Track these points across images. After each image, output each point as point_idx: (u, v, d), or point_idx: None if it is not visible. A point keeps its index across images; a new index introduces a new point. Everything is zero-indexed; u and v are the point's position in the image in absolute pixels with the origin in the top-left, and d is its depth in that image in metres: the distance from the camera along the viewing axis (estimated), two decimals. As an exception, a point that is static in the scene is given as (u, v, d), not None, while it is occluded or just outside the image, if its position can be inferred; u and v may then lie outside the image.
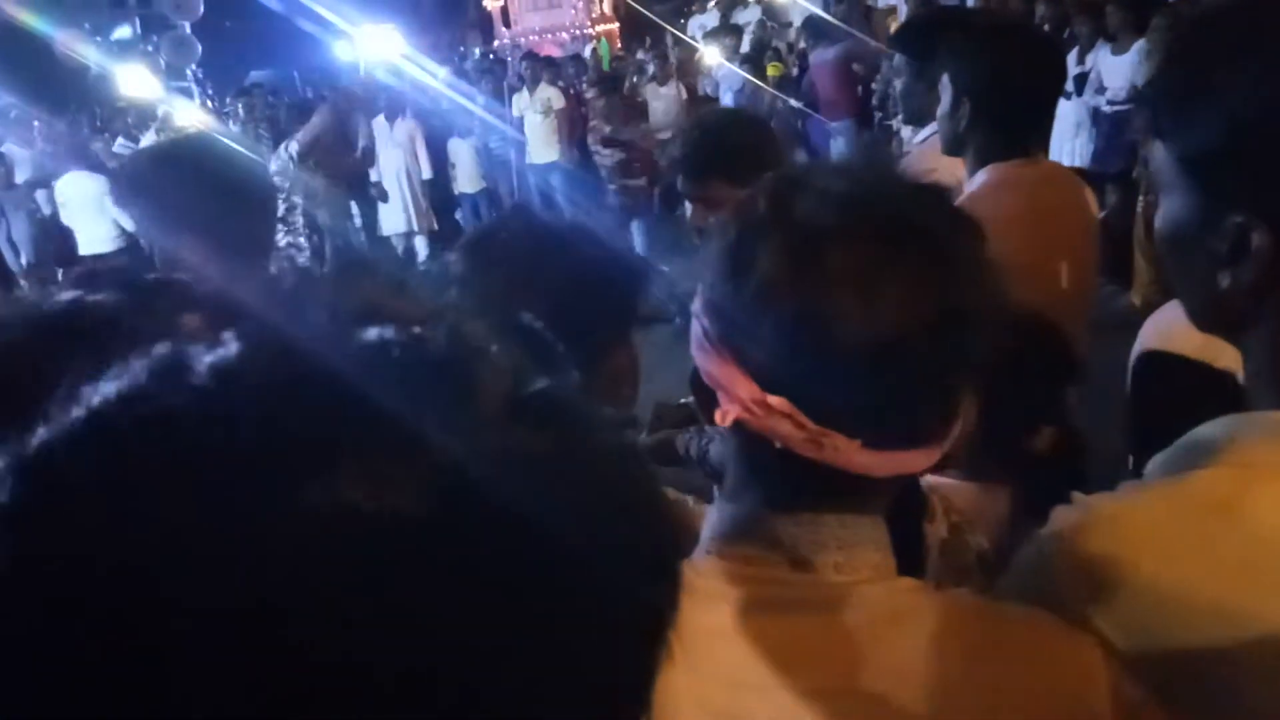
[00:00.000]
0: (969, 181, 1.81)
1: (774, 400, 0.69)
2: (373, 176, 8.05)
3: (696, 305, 0.76)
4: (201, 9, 10.70)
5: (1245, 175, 0.66)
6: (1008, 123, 1.75)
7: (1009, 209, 1.68)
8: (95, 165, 7.34)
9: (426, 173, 8.40)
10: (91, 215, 7.06)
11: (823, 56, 8.11)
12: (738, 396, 0.71)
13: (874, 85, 7.66)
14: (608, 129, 6.80)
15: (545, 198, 8.49)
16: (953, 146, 1.84)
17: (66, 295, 0.55)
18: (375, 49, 11.60)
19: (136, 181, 1.63)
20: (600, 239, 1.13)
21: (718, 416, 0.73)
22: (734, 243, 0.71)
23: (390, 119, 8.27)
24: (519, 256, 1.06)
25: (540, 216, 1.13)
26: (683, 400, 1.96)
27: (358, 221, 8.99)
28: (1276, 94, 0.63)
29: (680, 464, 1.71)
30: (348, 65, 12.85)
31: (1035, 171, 1.78)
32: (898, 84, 2.36)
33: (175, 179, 1.53)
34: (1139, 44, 6.07)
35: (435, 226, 8.56)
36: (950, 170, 2.15)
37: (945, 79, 1.79)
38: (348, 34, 12.73)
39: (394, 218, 8.27)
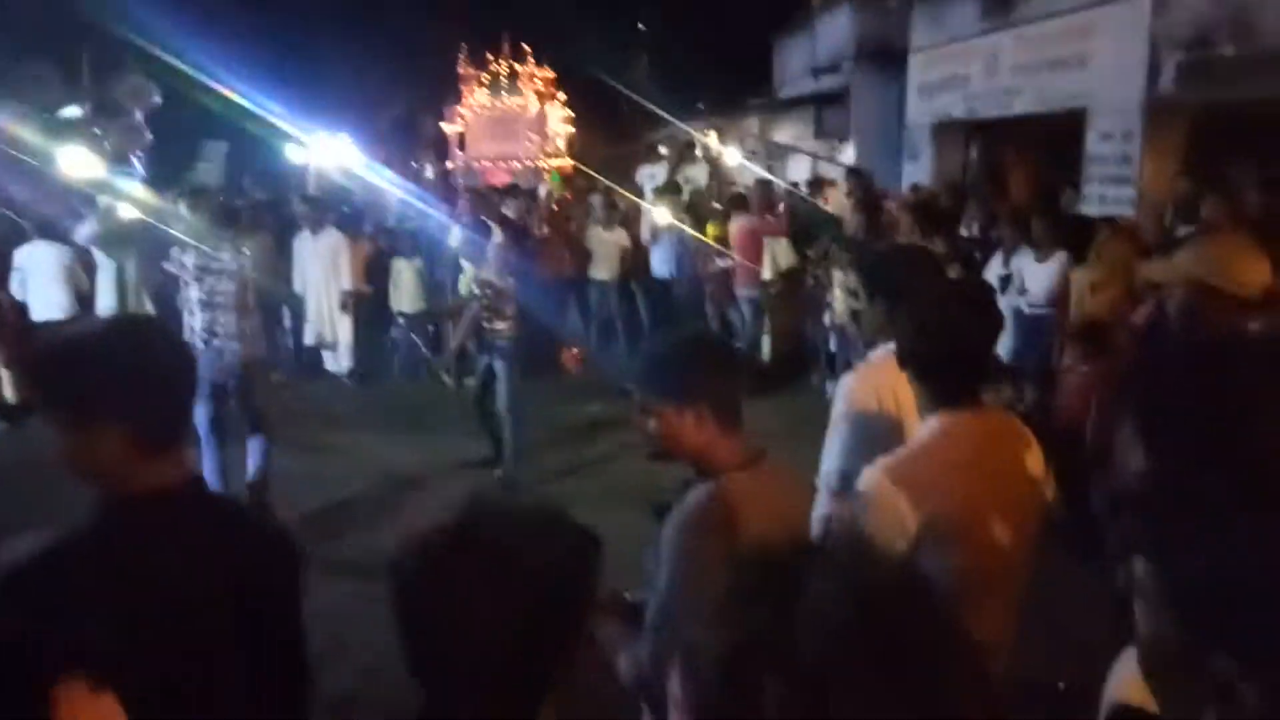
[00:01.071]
0: (920, 422, 1.89)
1: None
2: (296, 287, 8.11)
3: (678, 698, 0.72)
4: (157, 100, 10.66)
5: (1241, 622, 0.63)
6: (952, 376, 1.85)
7: (955, 461, 1.76)
8: (57, 236, 7.51)
9: (347, 284, 8.38)
10: (48, 284, 7.41)
11: (739, 224, 8.97)
12: None
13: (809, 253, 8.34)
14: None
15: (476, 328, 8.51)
16: (909, 376, 1.92)
17: None
18: (328, 157, 11.74)
19: None
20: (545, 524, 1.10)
21: None
22: (730, 658, 0.67)
23: (314, 231, 8.31)
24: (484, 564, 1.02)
25: (501, 514, 1.09)
26: (626, 594, 1.91)
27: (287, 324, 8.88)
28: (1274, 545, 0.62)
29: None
30: (297, 169, 12.93)
31: (983, 425, 1.85)
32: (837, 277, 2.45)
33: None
34: (1059, 254, 6.46)
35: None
36: (900, 394, 2.22)
37: (904, 321, 1.90)
38: (300, 140, 12.88)
39: (310, 328, 8.43)
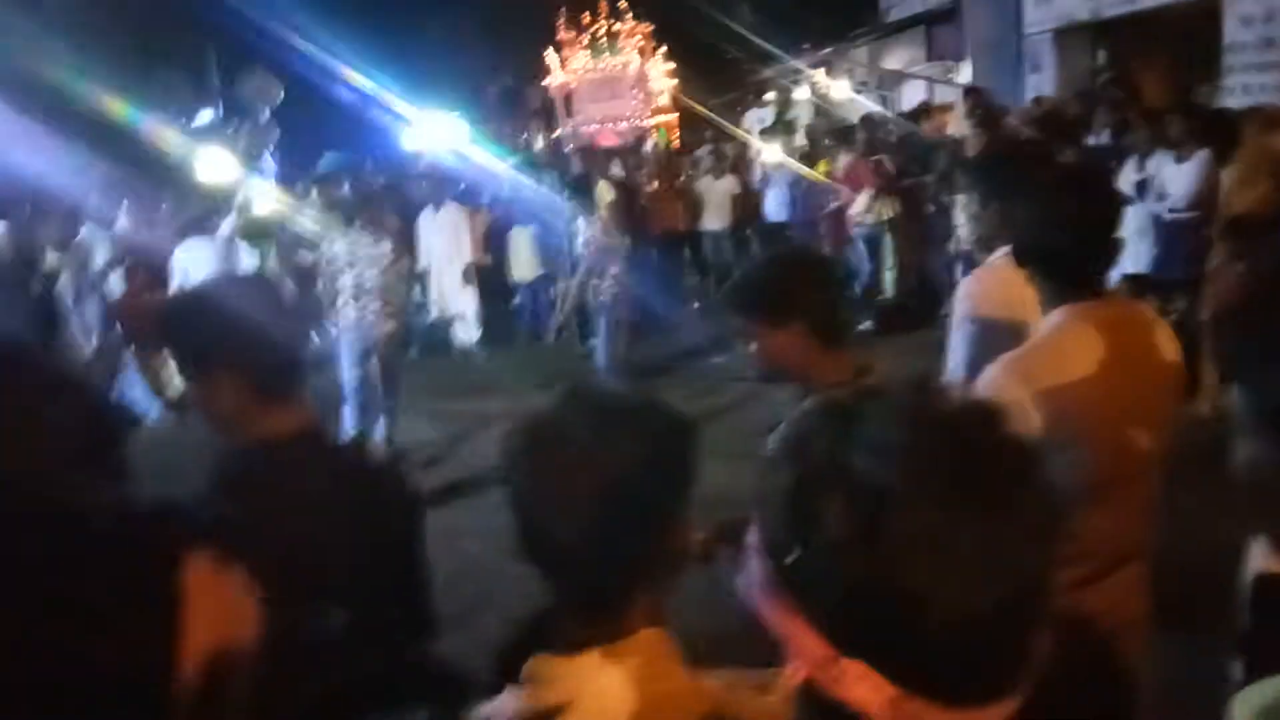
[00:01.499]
0: (1043, 319, 1.81)
1: (849, 663, 0.67)
2: (422, 264, 8.34)
3: (753, 542, 0.74)
4: (281, 95, 11.19)
5: None
6: (1083, 264, 1.77)
7: (1080, 355, 1.70)
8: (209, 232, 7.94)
9: (469, 256, 8.60)
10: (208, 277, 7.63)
11: (845, 159, 8.88)
12: (808, 654, 0.68)
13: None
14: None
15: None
16: (1026, 279, 1.86)
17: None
18: (440, 136, 12.08)
19: None
20: (648, 412, 1.15)
21: (787, 675, 0.70)
22: (793, 490, 0.69)
23: (436, 207, 8.54)
24: (577, 445, 1.08)
25: (596, 400, 1.16)
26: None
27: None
28: None
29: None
30: (413, 152, 13.36)
31: (1109, 313, 1.78)
32: (960, 201, 2.39)
33: None
34: (1201, 153, 6.03)
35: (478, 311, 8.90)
36: (1021, 295, 2.16)
37: (1019, 218, 1.83)
38: (414, 122, 13.29)
39: (435, 303, 8.65)
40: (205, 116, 11.48)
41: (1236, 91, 7.70)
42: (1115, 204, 1.87)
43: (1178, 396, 1.85)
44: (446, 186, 9.05)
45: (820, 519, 0.66)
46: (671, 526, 1.12)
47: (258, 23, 12.45)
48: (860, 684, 0.66)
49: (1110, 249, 1.84)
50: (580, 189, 6.91)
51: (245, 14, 12.54)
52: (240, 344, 1.51)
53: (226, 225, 8.06)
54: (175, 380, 8.29)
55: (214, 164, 9.08)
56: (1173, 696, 1.66)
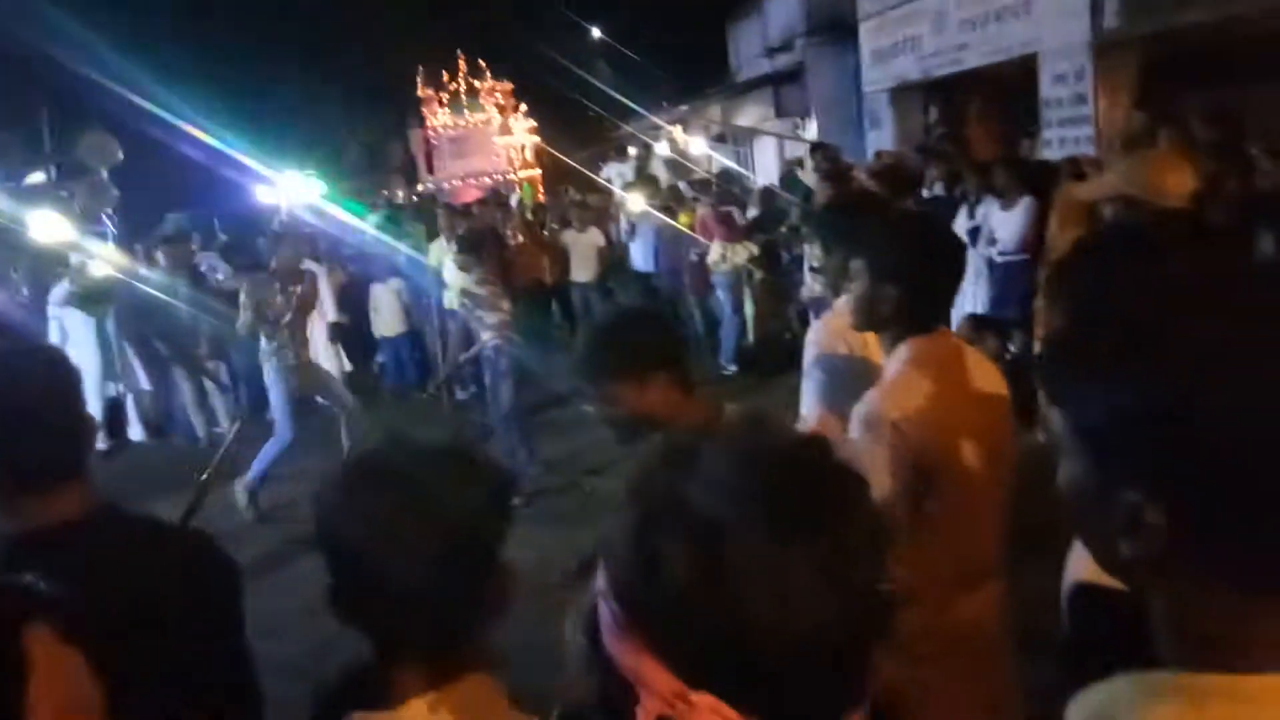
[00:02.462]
0: (889, 356, 1.92)
1: (698, 696, 0.68)
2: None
3: (602, 586, 0.75)
4: (120, 155, 10.69)
5: (1143, 459, 0.68)
6: (925, 305, 1.88)
7: (929, 387, 1.80)
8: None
9: (331, 315, 8.39)
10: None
11: (703, 210, 9.21)
12: (658, 690, 0.70)
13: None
14: None
15: (467, 343, 8.57)
16: (869, 324, 1.96)
17: None
18: (296, 194, 11.77)
19: None
20: (465, 461, 1.15)
21: (640, 715, 0.71)
22: (635, 534, 0.71)
23: None
24: (402, 489, 1.07)
25: (416, 446, 1.14)
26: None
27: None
28: (1181, 389, 0.65)
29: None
30: (268, 209, 12.96)
31: (948, 346, 1.90)
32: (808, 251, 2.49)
33: None
34: (1025, 200, 6.52)
35: (346, 368, 8.68)
36: (864, 338, 2.27)
37: (863, 264, 1.91)
38: (268, 179, 12.92)
39: None
40: (36, 177, 10.85)
41: (1054, 144, 8.38)
42: (954, 248, 2.00)
43: (1011, 425, 1.96)
44: (302, 245, 8.80)
45: (662, 556, 0.68)
46: (494, 569, 1.12)
47: (98, 81, 11.90)
48: (711, 716, 0.68)
49: (948, 289, 1.96)
50: (470, 244, 6.76)
51: (84, 73, 11.96)
52: (19, 422, 1.36)
53: (60, 290, 7.60)
54: None
55: (47, 225, 8.57)
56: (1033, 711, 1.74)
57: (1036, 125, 8.79)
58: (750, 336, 9.05)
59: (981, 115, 10.20)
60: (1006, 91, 10.20)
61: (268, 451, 6.15)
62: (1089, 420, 0.72)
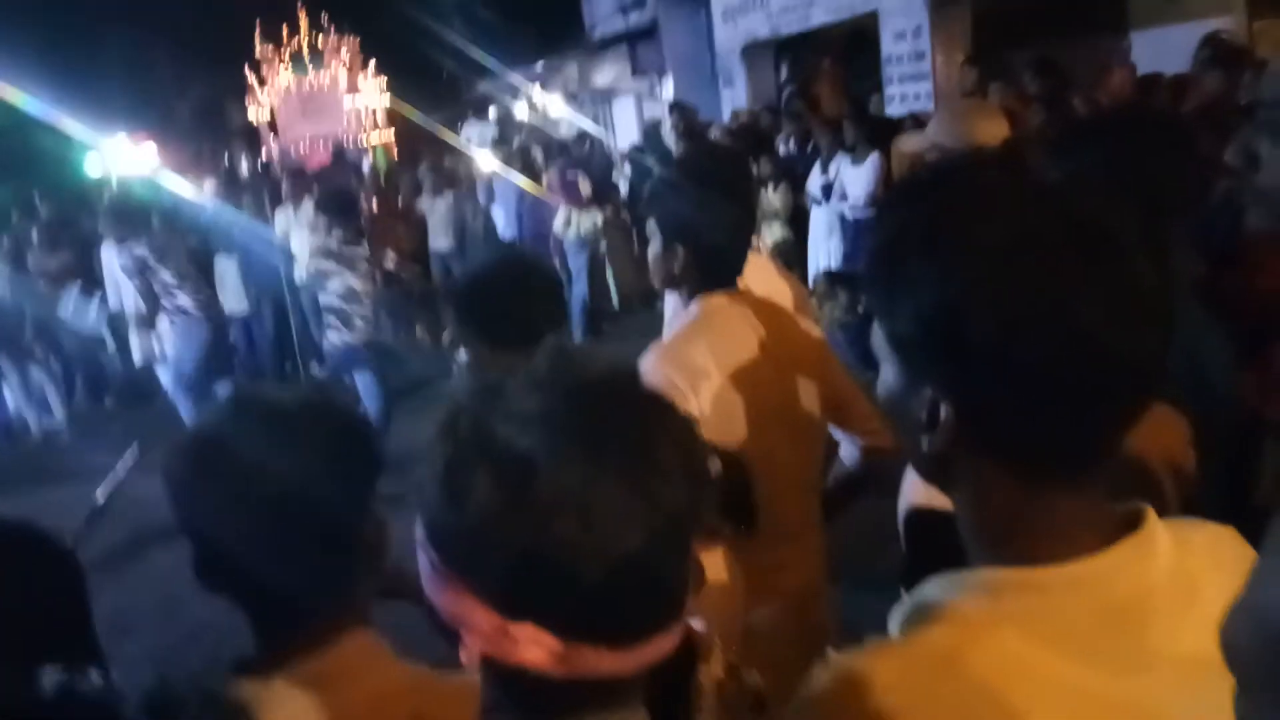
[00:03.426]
0: (683, 312, 1.89)
1: (518, 628, 0.70)
2: (111, 303, 7.45)
3: (420, 535, 0.75)
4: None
5: (933, 357, 0.75)
6: (717, 261, 1.86)
7: (711, 339, 1.79)
8: None
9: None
10: None
11: (555, 167, 9.14)
12: (480, 628, 0.71)
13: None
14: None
15: (317, 314, 8.24)
16: (666, 284, 1.94)
17: None
18: (128, 163, 11.01)
19: None
20: (330, 410, 1.11)
21: (462, 655, 0.73)
22: (444, 472, 0.71)
23: (120, 241, 7.65)
24: (245, 448, 1.03)
25: (262, 404, 1.09)
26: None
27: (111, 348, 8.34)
28: (957, 291, 0.72)
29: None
30: (96, 181, 12.07)
31: (744, 301, 1.88)
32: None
33: None
34: (873, 156, 6.74)
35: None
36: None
37: (653, 223, 1.89)
38: (95, 147, 12.02)
39: (137, 344, 7.66)
40: None
41: (895, 100, 8.69)
42: (751, 206, 2.00)
43: (830, 366, 1.96)
44: (135, 218, 8.21)
45: (470, 490, 0.69)
46: (361, 523, 1.09)
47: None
48: (534, 647, 0.70)
49: (740, 245, 1.91)
50: (334, 204, 6.32)
51: None
52: None
53: None
54: None
55: None
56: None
57: (880, 82, 9.09)
58: (615, 301, 9.10)
59: (830, 72, 10.46)
60: (852, 49, 10.49)
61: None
62: (896, 325, 0.77)
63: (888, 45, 8.77)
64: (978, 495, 0.79)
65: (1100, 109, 5.36)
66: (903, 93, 8.66)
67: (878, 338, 0.81)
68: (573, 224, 8.57)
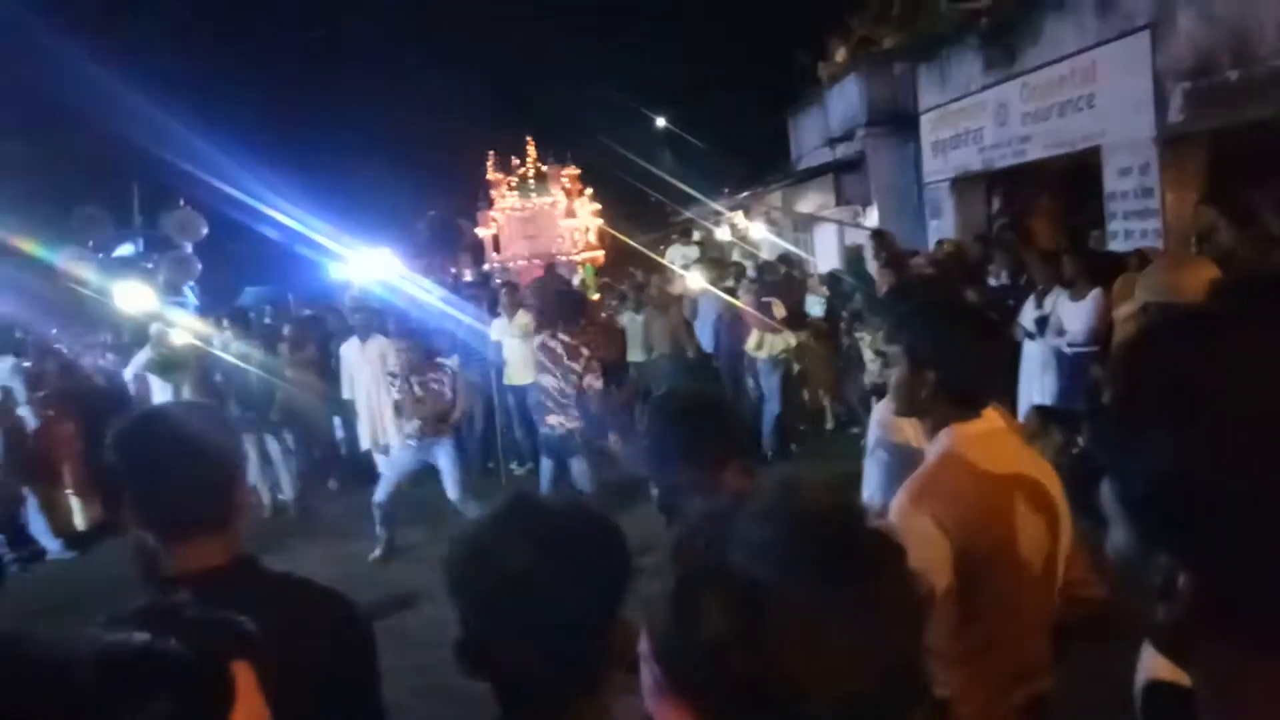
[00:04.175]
0: (930, 442, 1.88)
1: None
2: (345, 394, 8.15)
3: (644, 650, 0.76)
4: (205, 231, 11.19)
5: (1169, 522, 0.70)
6: (965, 388, 1.85)
7: (971, 476, 1.76)
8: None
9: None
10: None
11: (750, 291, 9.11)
12: None
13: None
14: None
15: (523, 419, 8.66)
16: (909, 409, 1.92)
17: (139, 639, 0.69)
18: (369, 270, 12.17)
19: None
20: (591, 525, 1.17)
21: None
22: (675, 593, 0.73)
23: (363, 338, 8.40)
24: (520, 547, 1.10)
25: (535, 503, 1.18)
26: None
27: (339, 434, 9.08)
28: (1206, 454, 0.67)
29: None
30: (340, 284, 13.41)
31: (993, 432, 1.85)
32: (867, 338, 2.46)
33: None
34: (1095, 291, 6.45)
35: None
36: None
37: (900, 350, 1.89)
38: (341, 256, 13.41)
39: (364, 433, 8.30)
40: (125, 250, 11.43)
41: (1120, 236, 8.32)
42: (994, 329, 1.98)
43: (1059, 515, 1.87)
44: (374, 319, 9.04)
45: (701, 616, 0.69)
46: (613, 629, 1.13)
47: (185, 159, 12.57)
48: None
49: (989, 372, 1.92)
50: (565, 308, 6.88)
51: (171, 154, 12.66)
52: (151, 479, 1.49)
53: (140, 356, 7.92)
54: (75, 515, 7.92)
55: (131, 295, 8.99)
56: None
57: (1099, 217, 8.75)
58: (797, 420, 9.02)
59: (1046, 205, 10.19)
60: (1068, 183, 10.20)
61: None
62: (1130, 485, 0.73)
63: (1111, 181, 8.48)
64: (1221, 676, 0.72)
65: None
66: (1127, 229, 8.30)
67: (1106, 495, 0.77)
68: (765, 346, 8.65)
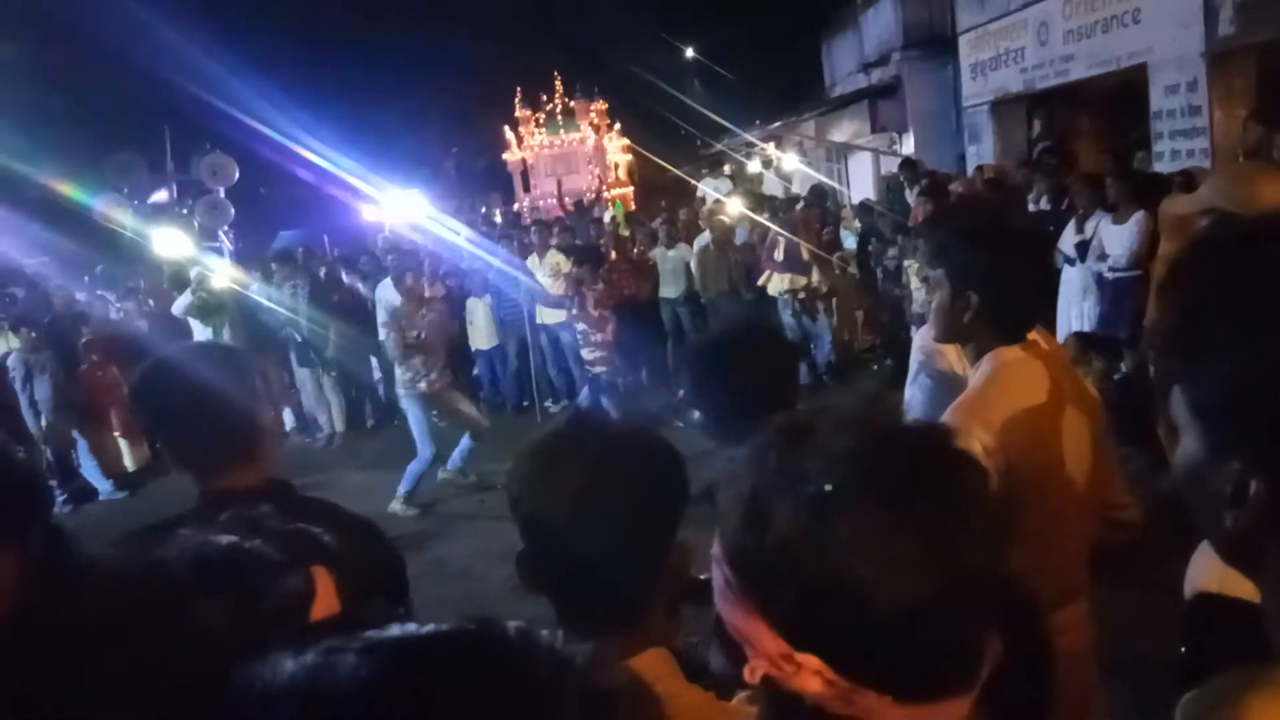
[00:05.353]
0: (973, 368, 1.85)
1: (803, 657, 0.70)
2: (380, 335, 8.21)
3: (716, 552, 0.77)
4: (237, 175, 11.22)
5: (1244, 427, 0.68)
6: (1009, 312, 1.80)
7: (1014, 401, 1.73)
8: None
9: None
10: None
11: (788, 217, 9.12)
12: (766, 652, 0.72)
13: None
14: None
15: (556, 357, 8.70)
16: (951, 335, 1.89)
17: (225, 540, 0.78)
18: (400, 212, 12.17)
19: None
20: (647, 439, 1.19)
21: (746, 673, 0.74)
22: (749, 497, 0.73)
23: (396, 280, 8.39)
24: (584, 464, 1.11)
25: (598, 422, 1.21)
26: (703, 576, 1.94)
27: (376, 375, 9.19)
28: (1272, 364, 0.65)
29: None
30: (373, 226, 13.43)
31: (1037, 356, 1.81)
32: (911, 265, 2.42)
33: None
34: (1138, 214, 6.27)
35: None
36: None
37: (942, 274, 1.85)
38: (374, 198, 13.40)
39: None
40: (159, 196, 11.51)
41: (1166, 156, 8.07)
42: (1039, 252, 1.93)
43: (1101, 440, 1.86)
44: (406, 260, 9.06)
45: (772, 520, 0.70)
46: (670, 546, 1.14)
47: (216, 106, 12.57)
48: (815, 678, 0.70)
49: (1033, 295, 1.87)
50: (587, 258, 6.99)
51: (203, 98, 12.66)
52: (190, 412, 1.56)
53: (181, 300, 8.03)
54: (125, 457, 8.14)
55: (169, 241, 9.08)
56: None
57: (1145, 138, 8.47)
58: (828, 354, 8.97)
59: (1089, 126, 9.88)
60: (1113, 103, 9.87)
61: (412, 470, 6.41)
62: (1204, 394, 0.71)
63: (1157, 99, 8.18)
64: None
65: None
66: (1174, 149, 8.03)
67: (1176, 403, 0.75)
68: (773, 283, 8.61)
